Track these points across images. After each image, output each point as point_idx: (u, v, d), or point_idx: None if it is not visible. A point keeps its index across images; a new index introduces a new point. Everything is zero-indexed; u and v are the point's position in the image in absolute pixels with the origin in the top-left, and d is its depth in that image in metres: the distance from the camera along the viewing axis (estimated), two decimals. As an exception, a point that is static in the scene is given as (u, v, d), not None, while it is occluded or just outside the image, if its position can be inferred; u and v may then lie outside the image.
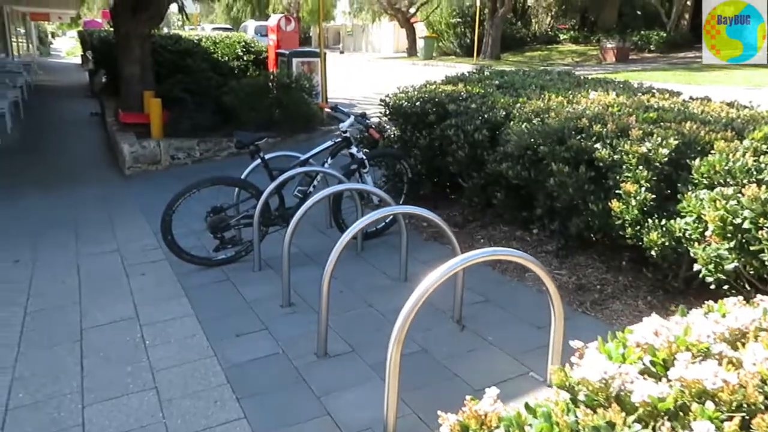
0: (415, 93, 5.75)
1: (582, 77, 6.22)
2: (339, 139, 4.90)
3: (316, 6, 35.33)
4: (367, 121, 5.07)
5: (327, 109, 10.61)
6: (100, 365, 3.24)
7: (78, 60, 25.34)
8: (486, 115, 4.76)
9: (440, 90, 5.64)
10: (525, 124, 4.35)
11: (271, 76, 9.86)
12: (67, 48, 37.98)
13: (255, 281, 4.28)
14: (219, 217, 4.49)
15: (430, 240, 4.91)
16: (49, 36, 43.43)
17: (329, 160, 4.85)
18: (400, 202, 5.12)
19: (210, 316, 3.76)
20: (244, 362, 3.20)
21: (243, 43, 12.41)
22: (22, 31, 27.53)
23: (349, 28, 44.33)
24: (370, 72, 23.46)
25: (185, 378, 3.07)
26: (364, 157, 4.87)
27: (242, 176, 4.87)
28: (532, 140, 4.16)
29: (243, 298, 4.01)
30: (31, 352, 3.43)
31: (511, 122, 4.55)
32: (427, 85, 6.11)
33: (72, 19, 35.87)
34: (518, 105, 4.78)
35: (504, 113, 4.73)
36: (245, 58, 11.99)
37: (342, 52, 39.28)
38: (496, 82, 5.99)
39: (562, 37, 31.22)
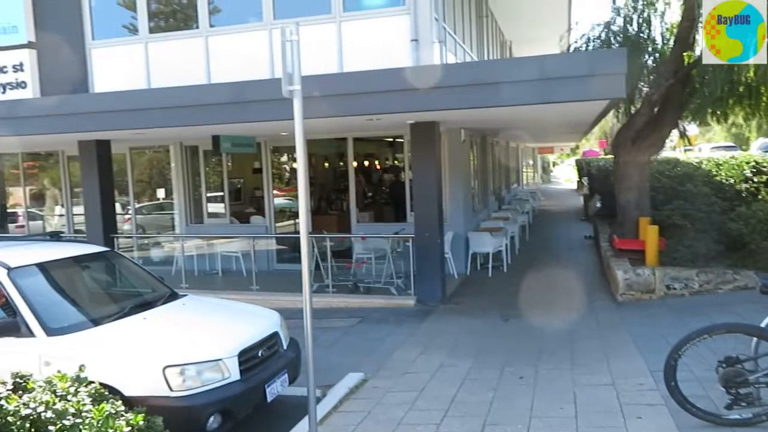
0: None
1: None
2: None
3: None
4: None
5: None
6: None
7: (573, 186, 27.77)
8: None
9: None
10: None
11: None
12: (565, 175, 42.19)
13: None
14: (734, 370, 3.88)
15: None
16: (550, 165, 49.30)
17: None
18: None
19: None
20: None
21: (752, 164, 11.24)
22: (531, 162, 32.13)
23: None
24: None
25: None
26: None
27: (763, 324, 4.15)
28: None
29: (766, 479, 3.28)
30: (533, 478, 3.57)
31: None
32: None
33: (571, 149, 39.98)
34: None
35: None
36: (755, 180, 10.79)
37: None
38: None
39: None
